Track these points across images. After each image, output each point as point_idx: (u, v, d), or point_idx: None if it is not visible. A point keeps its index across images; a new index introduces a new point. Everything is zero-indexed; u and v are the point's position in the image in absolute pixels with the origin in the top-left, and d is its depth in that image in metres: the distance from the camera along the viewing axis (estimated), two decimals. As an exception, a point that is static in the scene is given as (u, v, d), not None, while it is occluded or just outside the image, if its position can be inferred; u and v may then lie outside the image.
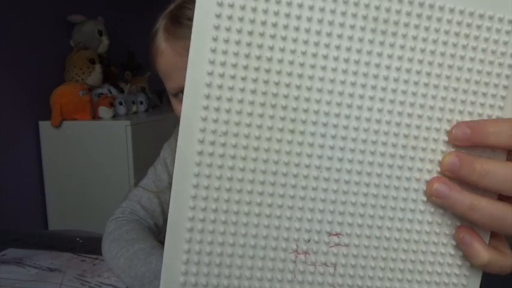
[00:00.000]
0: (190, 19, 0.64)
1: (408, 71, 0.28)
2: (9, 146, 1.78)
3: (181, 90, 0.71)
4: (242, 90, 0.27)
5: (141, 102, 2.15)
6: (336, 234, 0.28)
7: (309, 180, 0.27)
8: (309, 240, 0.28)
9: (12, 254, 0.86)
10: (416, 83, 0.28)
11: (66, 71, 1.94)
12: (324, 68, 0.27)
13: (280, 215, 0.28)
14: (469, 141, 0.28)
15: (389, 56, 0.27)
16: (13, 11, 1.79)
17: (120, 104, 1.99)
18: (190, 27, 0.54)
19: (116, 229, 0.81)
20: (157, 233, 0.86)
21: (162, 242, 0.77)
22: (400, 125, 0.28)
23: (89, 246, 0.89)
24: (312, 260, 0.28)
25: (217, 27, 0.27)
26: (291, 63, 0.27)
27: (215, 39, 0.27)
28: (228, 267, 0.28)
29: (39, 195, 1.91)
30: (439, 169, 0.29)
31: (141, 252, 0.72)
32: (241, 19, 0.27)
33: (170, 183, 0.88)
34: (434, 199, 0.28)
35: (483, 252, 0.30)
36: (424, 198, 0.29)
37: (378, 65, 0.27)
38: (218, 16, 0.27)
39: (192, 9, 0.64)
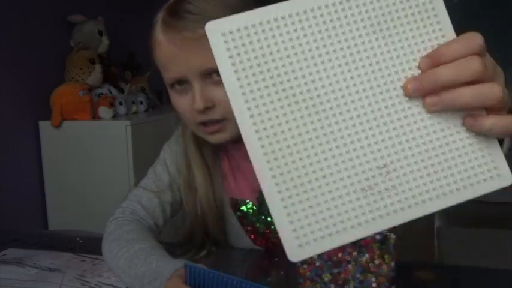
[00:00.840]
0: (189, 12, 0.66)
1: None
2: (9, 146, 1.78)
3: (177, 81, 0.73)
4: (278, 98, 0.34)
5: (141, 102, 2.15)
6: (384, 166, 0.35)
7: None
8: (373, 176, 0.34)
9: (12, 254, 0.86)
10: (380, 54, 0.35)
11: (66, 71, 1.94)
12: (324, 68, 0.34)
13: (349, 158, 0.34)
14: (432, 65, 0.35)
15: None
16: (13, 11, 1.79)
17: (120, 104, 1.99)
18: (188, 19, 0.58)
19: (116, 229, 0.80)
20: (158, 232, 0.85)
21: (162, 242, 0.77)
22: (387, 81, 0.35)
23: (89, 246, 0.89)
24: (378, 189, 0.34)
25: (231, 57, 0.34)
26: (301, 69, 0.34)
27: (236, 72, 0.34)
28: (324, 211, 0.33)
29: (39, 195, 1.91)
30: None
31: (142, 252, 0.72)
32: (250, 43, 0.34)
33: (171, 183, 0.88)
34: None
35: (485, 119, 0.35)
36: (430, 116, 0.35)
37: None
38: (227, 44, 0.34)
39: (190, 4, 0.65)
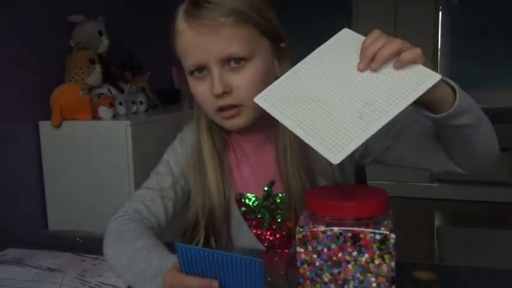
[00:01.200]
0: (209, 2, 0.73)
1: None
2: (9, 146, 1.78)
3: (197, 68, 0.76)
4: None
5: (141, 102, 2.15)
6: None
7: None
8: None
9: (12, 254, 0.86)
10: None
11: (66, 71, 1.94)
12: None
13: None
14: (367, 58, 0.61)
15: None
16: (13, 11, 1.79)
17: (120, 104, 1.99)
18: (208, 8, 0.73)
19: (118, 227, 0.81)
20: (160, 232, 0.86)
21: (164, 242, 0.77)
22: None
23: (89, 246, 0.89)
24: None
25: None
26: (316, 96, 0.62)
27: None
28: (341, 133, 0.56)
29: (39, 195, 1.91)
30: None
31: (143, 250, 0.72)
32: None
33: (174, 184, 0.88)
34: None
35: (401, 56, 0.60)
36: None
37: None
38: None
39: None
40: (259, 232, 0.88)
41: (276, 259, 0.79)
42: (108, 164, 1.81)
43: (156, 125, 1.98)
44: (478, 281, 0.71)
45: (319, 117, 0.58)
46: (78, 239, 0.94)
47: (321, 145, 0.55)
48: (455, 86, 0.65)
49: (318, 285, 0.55)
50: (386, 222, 0.53)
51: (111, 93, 2.00)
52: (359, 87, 0.60)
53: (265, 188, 0.86)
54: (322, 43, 0.76)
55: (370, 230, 0.52)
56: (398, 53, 0.60)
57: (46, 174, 1.90)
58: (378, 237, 0.51)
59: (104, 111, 1.89)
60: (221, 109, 0.77)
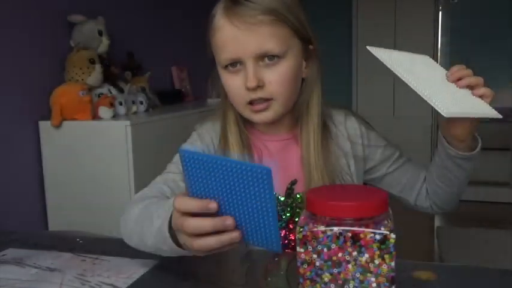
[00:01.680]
0: (250, 0, 0.78)
1: None
2: (9, 146, 1.78)
3: (231, 63, 0.81)
4: None
5: (141, 102, 2.15)
6: None
7: None
8: None
9: (12, 254, 0.86)
10: None
11: (66, 71, 1.94)
12: None
13: None
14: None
15: None
16: (13, 11, 1.79)
17: (120, 104, 1.99)
18: (248, 6, 0.77)
19: (139, 198, 0.82)
20: None
21: None
22: None
23: (89, 246, 0.89)
24: None
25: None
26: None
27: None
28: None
29: (39, 195, 1.91)
30: None
31: (157, 201, 0.76)
32: None
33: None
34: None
35: (478, 78, 0.80)
36: None
37: None
38: None
39: None
40: None
41: (276, 259, 0.80)
42: (108, 164, 1.80)
43: (156, 125, 1.98)
44: (478, 281, 0.71)
45: (428, 85, 0.73)
46: (78, 239, 0.94)
47: (438, 106, 0.69)
48: (478, 136, 0.85)
49: (318, 285, 0.55)
50: (386, 222, 0.53)
51: (111, 93, 2.00)
52: (450, 87, 0.78)
53: (288, 186, 0.87)
54: (322, 43, 0.85)
55: (370, 230, 0.52)
56: (476, 85, 0.79)
57: (46, 174, 1.90)
58: (378, 237, 0.51)
59: (104, 111, 1.89)
60: (251, 103, 0.82)
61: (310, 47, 0.86)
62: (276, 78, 0.80)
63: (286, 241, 0.88)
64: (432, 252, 2.71)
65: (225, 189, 0.55)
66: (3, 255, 0.86)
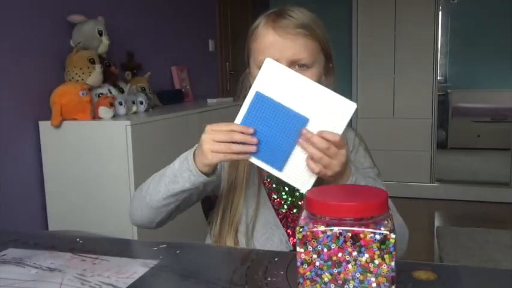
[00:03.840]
0: (291, 16, 0.92)
1: None
2: (9, 146, 1.78)
3: None
4: None
5: (141, 102, 2.15)
6: None
7: None
8: None
9: (12, 254, 0.86)
10: None
11: (66, 71, 1.94)
12: None
13: None
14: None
15: None
16: (13, 11, 1.79)
17: (120, 104, 1.99)
18: (288, 19, 0.92)
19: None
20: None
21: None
22: None
23: (89, 246, 0.89)
24: None
25: None
26: None
27: None
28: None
29: (39, 195, 1.91)
30: None
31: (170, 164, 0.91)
32: None
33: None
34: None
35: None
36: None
37: None
38: None
39: (292, 11, 0.92)
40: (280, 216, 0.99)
41: (276, 259, 0.80)
42: (108, 164, 1.81)
43: (156, 125, 1.98)
44: (478, 281, 0.71)
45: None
46: (78, 239, 0.94)
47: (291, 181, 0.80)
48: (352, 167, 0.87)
49: (318, 285, 0.55)
50: (386, 222, 0.53)
51: (111, 93, 2.01)
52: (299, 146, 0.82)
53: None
54: None
55: (370, 230, 0.52)
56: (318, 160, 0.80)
57: (46, 174, 1.90)
58: (378, 237, 0.51)
59: (104, 111, 1.89)
60: None
61: (330, 65, 0.98)
62: None
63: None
64: (432, 252, 2.71)
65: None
66: (3, 255, 0.86)
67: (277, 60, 0.87)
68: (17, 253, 0.87)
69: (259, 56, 0.92)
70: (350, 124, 0.88)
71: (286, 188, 0.99)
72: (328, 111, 0.79)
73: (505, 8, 5.11)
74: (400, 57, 3.72)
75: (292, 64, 0.90)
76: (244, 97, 0.91)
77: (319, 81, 0.92)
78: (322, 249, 0.53)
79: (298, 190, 0.94)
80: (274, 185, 1.00)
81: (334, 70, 0.99)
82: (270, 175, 0.95)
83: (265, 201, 0.98)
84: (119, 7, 2.41)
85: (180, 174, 0.86)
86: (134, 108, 2.09)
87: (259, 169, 0.92)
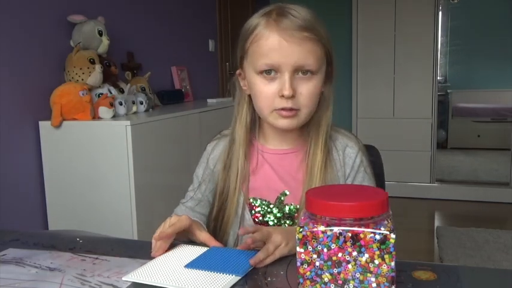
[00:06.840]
0: (294, 16, 0.85)
1: None
2: (9, 146, 1.78)
3: (268, 70, 0.85)
4: None
5: (141, 102, 2.15)
6: None
7: None
8: None
9: (12, 254, 0.86)
10: None
11: (66, 71, 1.94)
12: None
13: None
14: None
15: None
16: (13, 11, 1.79)
17: (120, 104, 1.99)
18: (292, 20, 0.85)
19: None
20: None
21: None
22: None
23: (89, 246, 0.89)
24: None
25: None
26: None
27: None
28: None
29: (39, 195, 1.91)
30: None
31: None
32: None
33: (211, 173, 0.99)
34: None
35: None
36: None
37: None
38: None
39: (294, 11, 0.85)
40: None
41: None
42: (108, 164, 1.80)
43: (156, 125, 1.98)
44: (478, 281, 0.71)
45: None
46: (78, 239, 0.94)
47: None
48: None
49: (318, 285, 0.55)
50: (386, 222, 0.53)
51: (111, 93, 2.00)
52: None
53: (279, 196, 0.94)
54: None
55: (370, 230, 0.52)
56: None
57: (46, 174, 1.90)
58: (378, 237, 0.51)
59: (104, 111, 1.89)
60: (280, 109, 0.87)
61: (329, 68, 0.93)
62: (306, 91, 0.87)
63: None
64: (432, 252, 2.71)
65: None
66: (3, 255, 0.86)
67: (280, 66, 0.84)
68: (17, 253, 0.87)
69: (260, 60, 0.86)
70: (350, 127, 0.87)
71: (271, 223, 0.95)
72: None
73: (505, 8, 5.11)
74: (400, 57, 3.72)
75: (296, 71, 0.85)
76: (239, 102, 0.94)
77: (319, 92, 0.89)
78: (322, 249, 0.53)
79: (285, 223, 0.94)
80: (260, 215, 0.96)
81: (334, 76, 0.94)
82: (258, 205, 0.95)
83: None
84: (119, 7, 2.41)
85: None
86: (134, 108, 2.09)
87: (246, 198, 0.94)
